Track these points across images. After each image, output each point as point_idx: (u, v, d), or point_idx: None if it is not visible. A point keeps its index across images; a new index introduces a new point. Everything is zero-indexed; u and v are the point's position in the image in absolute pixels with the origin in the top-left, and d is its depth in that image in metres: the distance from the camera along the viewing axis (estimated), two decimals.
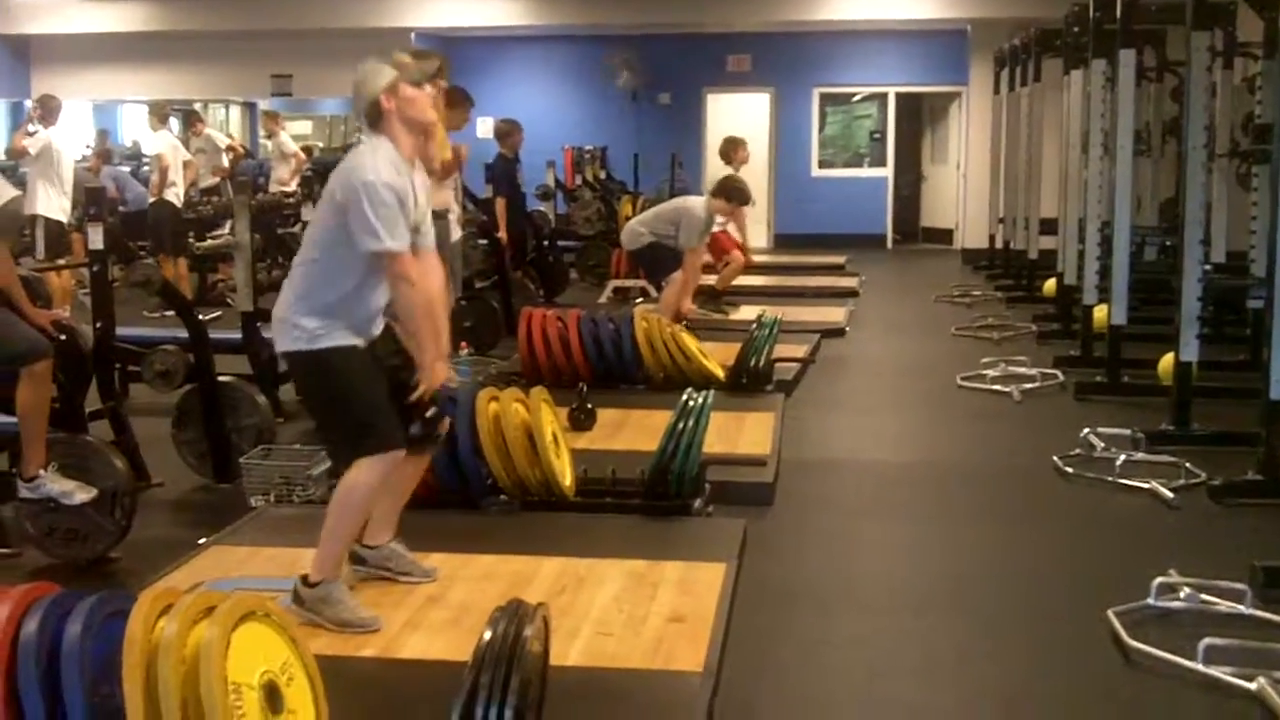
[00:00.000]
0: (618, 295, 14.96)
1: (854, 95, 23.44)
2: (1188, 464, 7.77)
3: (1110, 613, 5.43)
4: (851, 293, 15.99)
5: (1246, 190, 10.19)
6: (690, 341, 9.75)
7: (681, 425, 6.54)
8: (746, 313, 12.81)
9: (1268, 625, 5.41)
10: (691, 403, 6.64)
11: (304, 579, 5.05)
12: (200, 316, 8.21)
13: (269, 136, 18.86)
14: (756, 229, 20.96)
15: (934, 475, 8.21)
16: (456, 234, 9.58)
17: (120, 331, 7.50)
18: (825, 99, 23.21)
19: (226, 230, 15.14)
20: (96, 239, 7.15)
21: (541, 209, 17.38)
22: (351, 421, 5.07)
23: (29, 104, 16.82)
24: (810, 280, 16.86)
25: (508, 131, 14.26)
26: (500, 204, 13.32)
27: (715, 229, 13.10)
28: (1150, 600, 5.57)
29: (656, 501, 6.57)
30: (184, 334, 7.81)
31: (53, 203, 13.45)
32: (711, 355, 9.86)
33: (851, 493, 7.77)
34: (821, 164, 23.26)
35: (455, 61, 20.40)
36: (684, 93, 22.67)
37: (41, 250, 13.23)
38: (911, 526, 7.12)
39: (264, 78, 21.88)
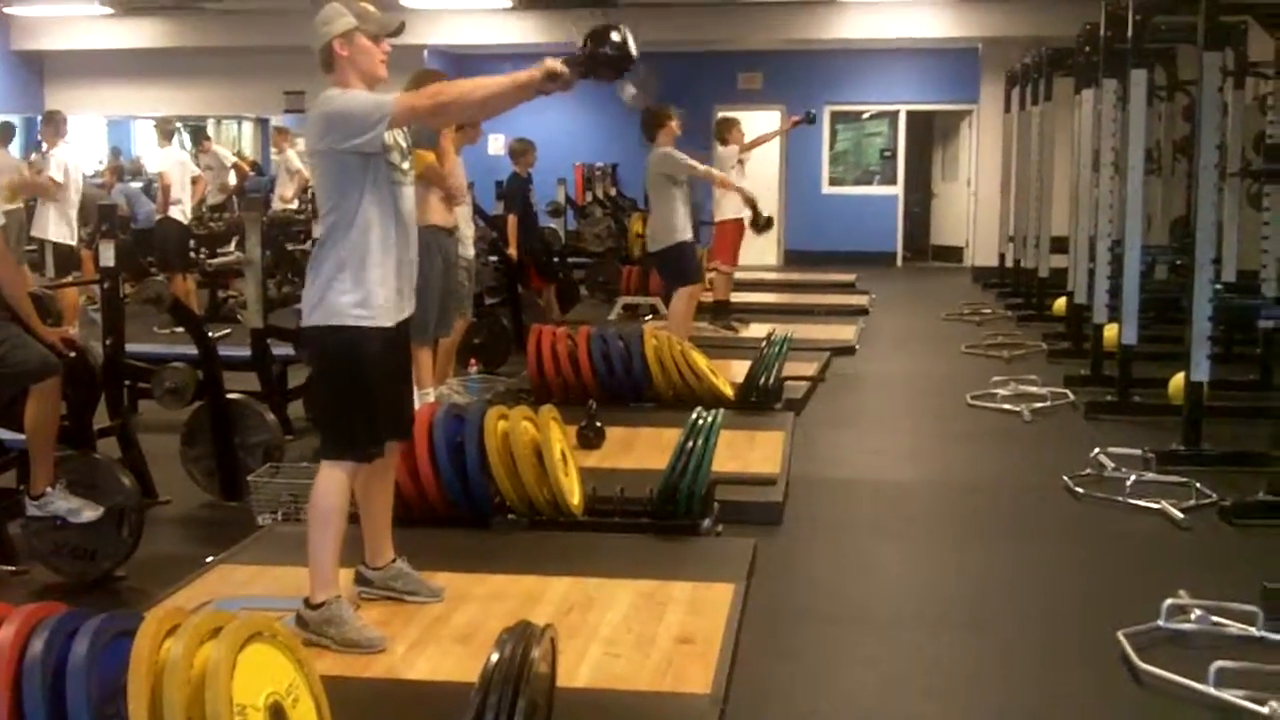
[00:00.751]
0: (627, 312, 14.98)
1: (865, 113, 23.47)
2: (1198, 484, 7.73)
3: (1120, 634, 5.40)
4: (862, 310, 16.00)
5: (1258, 209, 10.20)
6: (700, 360, 9.74)
7: (691, 444, 6.53)
8: (756, 330, 12.82)
9: (1279, 648, 5.38)
10: (701, 421, 6.63)
11: (306, 601, 5.05)
12: (210, 333, 8.21)
13: (280, 153, 18.88)
14: (767, 246, 21.04)
15: (944, 494, 8.19)
16: (470, 252, 9.55)
17: (130, 348, 7.51)
18: (836, 116, 23.25)
19: (234, 247, 15.25)
20: (108, 256, 7.15)
21: (552, 226, 17.39)
22: (340, 416, 5.10)
23: (40, 120, 16.83)
24: (820, 298, 16.87)
25: (522, 150, 14.33)
26: (512, 221, 13.34)
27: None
28: (1161, 622, 5.53)
29: (665, 520, 6.54)
30: (194, 351, 7.81)
31: (61, 227, 13.46)
32: (721, 373, 9.85)
33: (861, 512, 7.74)
34: (832, 181, 23.31)
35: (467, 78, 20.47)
36: (695, 110, 22.62)
37: (52, 271, 13.24)
38: (921, 546, 7.11)
39: (277, 94, 21.85)
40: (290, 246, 12.88)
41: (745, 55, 22.35)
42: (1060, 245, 14.80)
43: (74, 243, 13.59)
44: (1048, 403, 10.44)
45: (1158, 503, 7.51)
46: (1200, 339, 8.49)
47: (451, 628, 5.25)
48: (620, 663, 4.90)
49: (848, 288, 18.28)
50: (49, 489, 6.13)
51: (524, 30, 20.86)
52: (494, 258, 13.21)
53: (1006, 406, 10.36)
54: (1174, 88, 14.43)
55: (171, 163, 15.41)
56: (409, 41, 20.43)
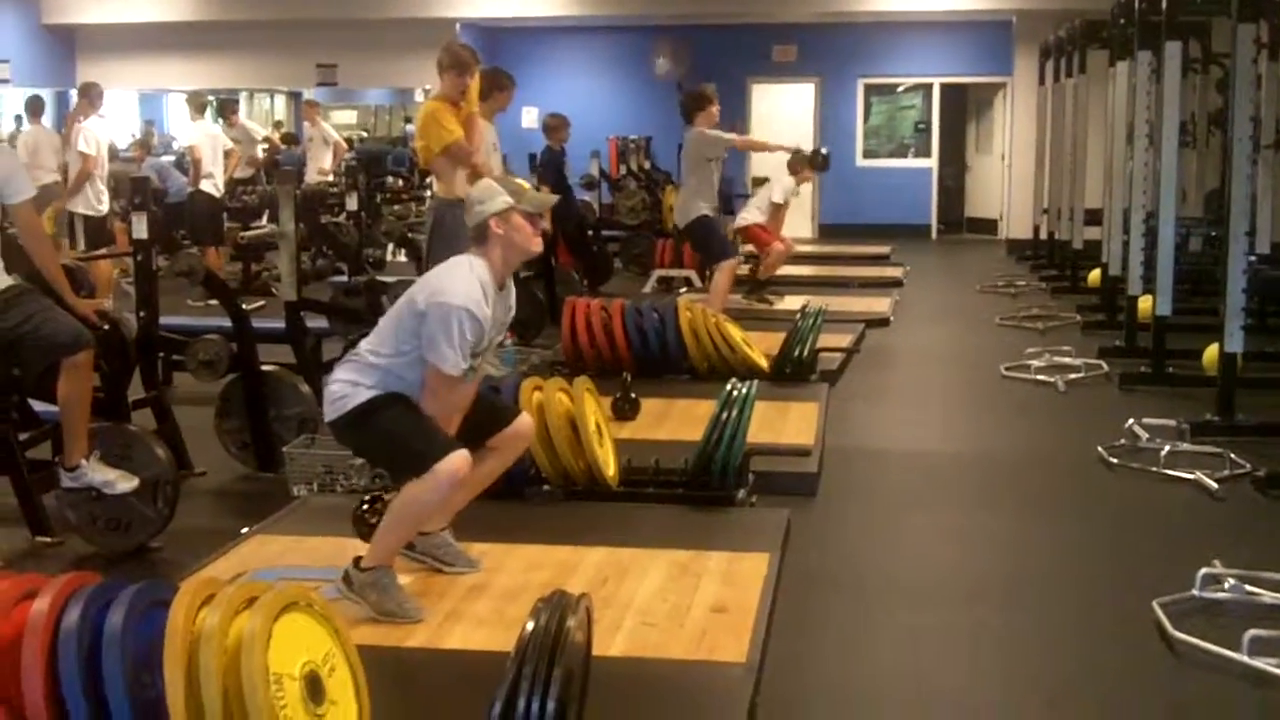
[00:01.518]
0: (662, 285, 14.95)
1: (899, 86, 23.38)
2: (1232, 455, 7.69)
3: (1155, 604, 5.39)
4: (896, 283, 15.92)
5: None
6: (735, 331, 9.72)
7: (725, 415, 6.52)
8: (791, 303, 12.78)
9: None
10: (735, 392, 6.62)
11: (356, 561, 5.06)
12: (244, 306, 8.22)
13: (314, 125, 18.89)
14: (801, 219, 20.99)
15: (978, 466, 8.17)
16: None
17: (164, 321, 7.53)
18: (870, 89, 23.17)
19: (266, 220, 15.27)
20: (141, 229, 7.17)
21: (586, 199, 17.37)
22: (408, 451, 5.08)
23: (74, 94, 16.86)
24: (855, 270, 16.78)
25: (556, 126, 14.35)
26: None
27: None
28: (1195, 591, 5.53)
29: (700, 491, 6.54)
30: (228, 323, 7.83)
31: (91, 200, 13.47)
32: (756, 345, 9.83)
33: (895, 483, 7.73)
34: (866, 154, 23.20)
35: (500, 52, 20.50)
36: (729, 83, 22.59)
37: (82, 244, 13.26)
38: (956, 517, 7.09)
39: (309, 67, 21.86)
40: (325, 219, 12.85)
41: (780, 28, 22.23)
42: (1094, 218, 14.72)
43: (104, 214, 13.61)
44: (1082, 374, 10.41)
45: (1192, 473, 7.48)
46: (1234, 310, 8.46)
47: (487, 598, 5.26)
48: (655, 632, 4.90)
49: (882, 260, 18.19)
50: (83, 461, 6.15)
51: (555, 4, 20.87)
52: None
53: (1041, 378, 10.33)
54: (1208, 60, 14.35)
55: (202, 136, 15.43)
56: (441, 15, 20.50)
